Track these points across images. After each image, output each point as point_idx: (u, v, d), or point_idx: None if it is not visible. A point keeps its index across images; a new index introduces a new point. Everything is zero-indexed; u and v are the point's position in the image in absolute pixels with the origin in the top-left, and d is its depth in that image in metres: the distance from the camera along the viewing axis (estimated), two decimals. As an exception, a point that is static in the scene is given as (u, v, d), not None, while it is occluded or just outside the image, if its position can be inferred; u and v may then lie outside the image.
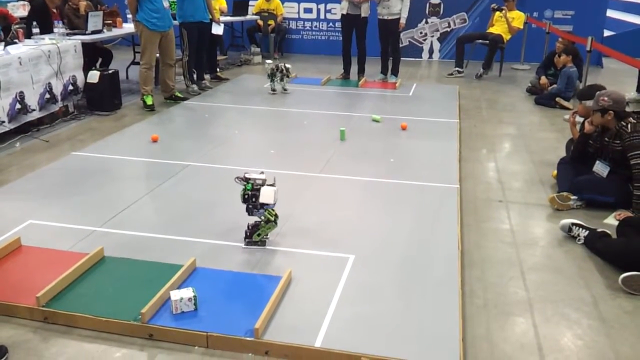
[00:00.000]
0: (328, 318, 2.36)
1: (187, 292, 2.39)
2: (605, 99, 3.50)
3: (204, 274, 2.68)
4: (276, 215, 2.95)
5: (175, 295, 2.38)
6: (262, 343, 2.20)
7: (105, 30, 6.36)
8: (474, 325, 2.41)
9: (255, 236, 2.93)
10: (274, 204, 2.88)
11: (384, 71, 7.55)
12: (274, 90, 6.65)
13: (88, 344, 2.25)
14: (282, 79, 6.60)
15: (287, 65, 6.60)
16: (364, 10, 6.96)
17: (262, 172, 2.92)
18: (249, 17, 9.30)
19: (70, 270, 2.59)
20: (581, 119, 4.16)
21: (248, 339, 2.21)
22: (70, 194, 3.65)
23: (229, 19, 8.79)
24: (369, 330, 2.30)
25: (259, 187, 2.84)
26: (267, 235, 2.96)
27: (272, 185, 2.87)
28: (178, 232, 3.12)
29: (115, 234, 3.09)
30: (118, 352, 2.21)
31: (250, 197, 2.84)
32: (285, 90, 6.66)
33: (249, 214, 2.89)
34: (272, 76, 6.57)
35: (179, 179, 3.95)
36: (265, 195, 2.83)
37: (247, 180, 2.86)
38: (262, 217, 2.89)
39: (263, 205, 2.85)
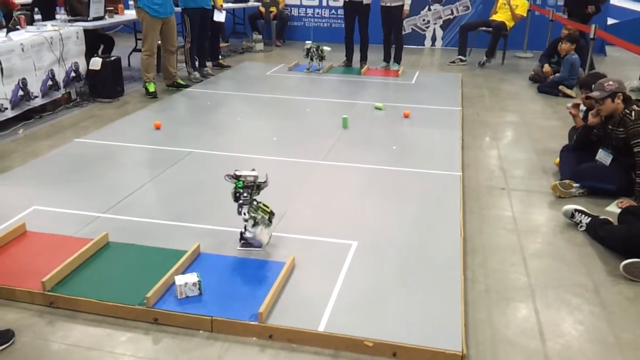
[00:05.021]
0: (331, 303, 2.38)
1: (192, 277, 2.41)
2: (611, 82, 3.49)
3: (208, 260, 2.70)
4: (271, 213, 2.80)
5: (179, 280, 2.40)
6: (266, 327, 2.22)
7: (107, 16, 6.33)
8: (475, 311, 2.43)
9: None
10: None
11: (386, 59, 7.51)
12: (309, 69, 7.10)
13: (93, 328, 2.28)
14: (318, 59, 6.99)
15: (327, 48, 7.00)
16: (367, -3, 6.94)
17: (253, 169, 2.74)
18: (250, 3, 9.24)
19: (75, 255, 2.61)
20: (584, 108, 4.15)
21: (252, 323, 2.23)
22: (74, 180, 3.67)
23: (230, 5, 8.74)
24: (372, 315, 2.32)
25: (250, 184, 2.68)
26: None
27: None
28: (182, 218, 3.13)
29: (120, 220, 3.11)
30: (123, 336, 2.24)
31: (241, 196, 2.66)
32: (318, 70, 7.09)
33: (239, 213, 2.68)
34: (309, 56, 6.99)
35: (182, 166, 3.95)
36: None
37: (237, 177, 2.70)
38: (257, 216, 2.72)
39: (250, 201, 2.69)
